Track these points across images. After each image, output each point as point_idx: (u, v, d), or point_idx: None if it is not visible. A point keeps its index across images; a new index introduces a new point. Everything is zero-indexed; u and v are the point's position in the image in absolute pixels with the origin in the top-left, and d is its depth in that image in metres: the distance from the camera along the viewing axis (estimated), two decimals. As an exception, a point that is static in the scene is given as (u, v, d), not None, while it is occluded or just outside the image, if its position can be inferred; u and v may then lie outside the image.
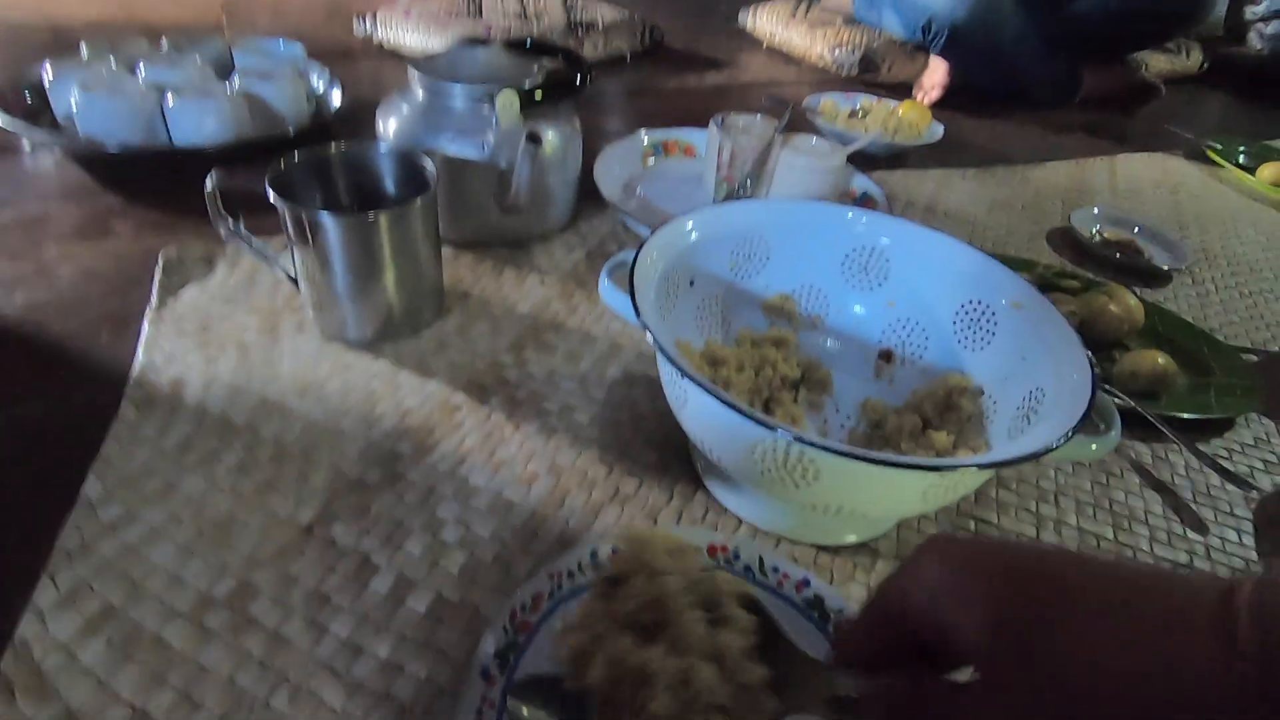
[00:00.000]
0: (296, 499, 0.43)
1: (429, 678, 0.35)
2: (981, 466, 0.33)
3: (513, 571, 0.41)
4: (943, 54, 1.23)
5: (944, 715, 0.23)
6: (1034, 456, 0.32)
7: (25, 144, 0.75)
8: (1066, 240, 0.84)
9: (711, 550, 0.38)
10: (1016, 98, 1.29)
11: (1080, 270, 0.76)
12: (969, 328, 0.48)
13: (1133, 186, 1.03)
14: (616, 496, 0.46)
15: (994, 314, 0.47)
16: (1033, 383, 0.42)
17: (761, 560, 0.38)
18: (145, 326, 0.54)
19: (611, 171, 0.80)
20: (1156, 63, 1.53)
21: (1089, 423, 0.36)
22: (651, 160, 0.86)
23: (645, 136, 0.86)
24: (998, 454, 0.34)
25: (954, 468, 0.32)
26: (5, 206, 0.65)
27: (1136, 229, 0.86)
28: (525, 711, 0.30)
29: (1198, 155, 1.14)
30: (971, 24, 1.18)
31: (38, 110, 0.77)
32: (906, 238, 0.51)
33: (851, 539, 0.44)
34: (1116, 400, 0.55)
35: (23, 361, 0.50)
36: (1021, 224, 0.88)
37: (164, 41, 0.89)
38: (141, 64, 0.80)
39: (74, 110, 0.73)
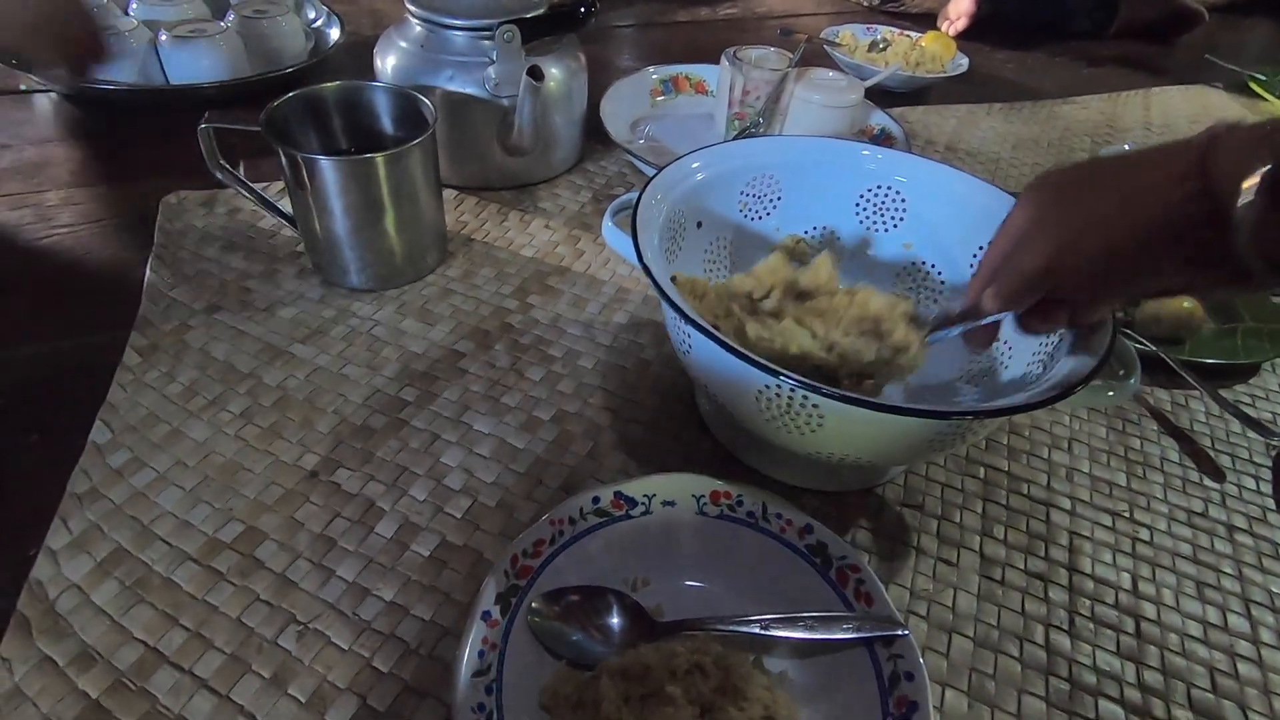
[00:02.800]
0: (302, 445, 0.43)
1: (433, 619, 0.36)
2: (992, 413, 0.32)
3: (515, 517, 0.41)
4: (971, -19, 1.16)
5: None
6: (1046, 403, 0.31)
7: (21, 86, 0.74)
8: (1094, 179, 0.81)
9: (715, 496, 0.38)
10: (1048, 28, 1.22)
11: (1107, 211, 0.73)
12: (986, 270, 0.47)
13: (1168, 122, 0.98)
14: (621, 443, 0.45)
15: (1013, 256, 0.45)
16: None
17: (765, 507, 0.38)
18: (147, 272, 0.53)
19: (619, 110, 0.77)
20: (1201, -13, 1.43)
21: (1107, 368, 0.35)
22: (661, 97, 0.83)
23: (654, 73, 0.83)
24: (1008, 400, 0.33)
25: (963, 415, 0.31)
26: (5, 150, 0.64)
27: (1169, 167, 0.82)
28: (549, 626, 0.32)
29: (1239, 88, 1.08)
30: (1003, -53, 1.11)
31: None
32: (923, 176, 0.49)
33: (856, 485, 0.44)
34: (1138, 346, 0.53)
35: (26, 307, 0.50)
36: (1047, 162, 0.84)
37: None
38: (134, 1, 0.77)
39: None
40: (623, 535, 0.37)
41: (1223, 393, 0.53)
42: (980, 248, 0.47)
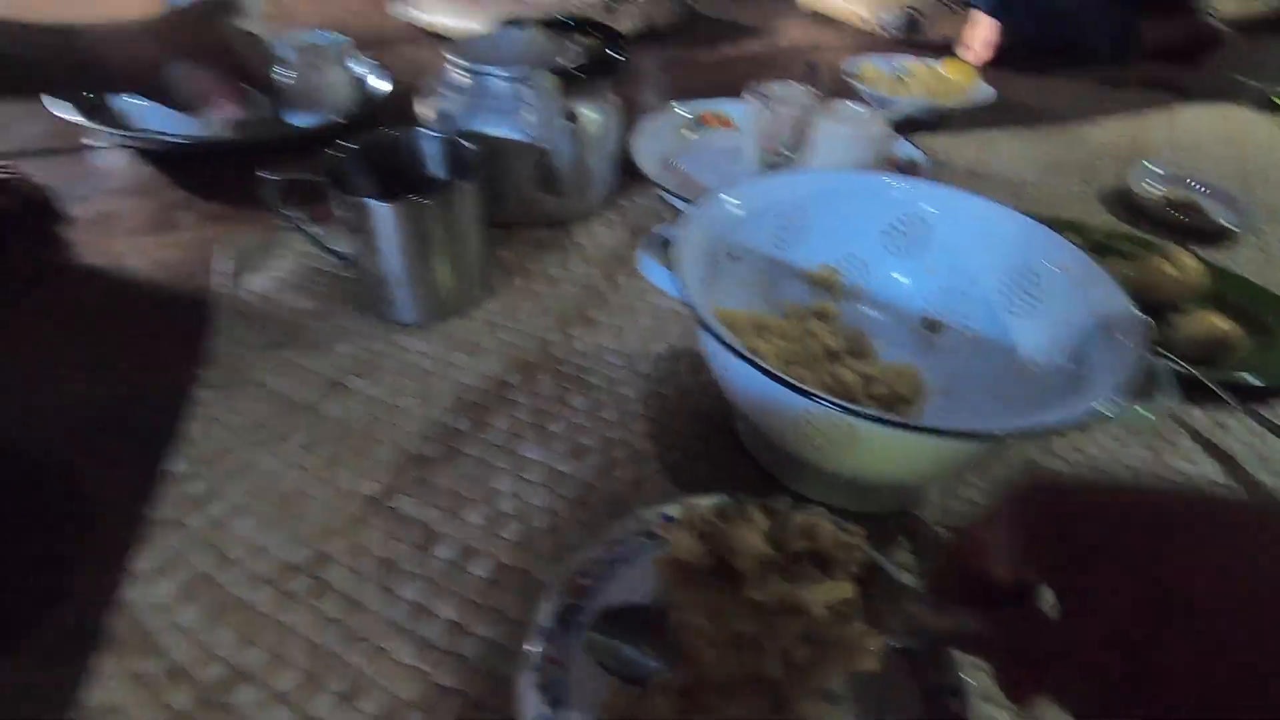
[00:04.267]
0: (363, 473, 0.45)
1: (491, 637, 0.37)
2: (1029, 433, 0.33)
3: (566, 539, 0.42)
4: (992, 11, 1.18)
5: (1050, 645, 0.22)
6: (1081, 423, 0.32)
7: (90, 141, 0.79)
8: (1122, 201, 0.82)
9: (758, 518, 0.39)
10: (1068, 52, 1.23)
11: (1136, 232, 0.74)
12: (1016, 294, 0.48)
13: (1194, 141, 0.98)
14: (664, 468, 0.47)
15: (1039, 279, 0.46)
16: (1080, 349, 0.41)
17: (808, 528, 0.39)
18: (214, 313, 0.57)
19: (649, 147, 0.80)
20: (1225, 5, 1.44)
21: (1142, 389, 0.36)
22: (690, 134, 0.86)
23: (682, 110, 0.86)
24: (1045, 419, 0.34)
25: (1003, 435, 0.32)
26: (78, 203, 0.69)
27: (1197, 186, 0.82)
28: (604, 642, 0.33)
29: (1266, 105, 1.08)
30: (1022, -23, 1.13)
31: (98, 106, 0.81)
32: (948, 203, 0.51)
33: (895, 507, 0.45)
34: (1172, 366, 0.54)
35: (108, 344, 0.54)
36: (1074, 186, 0.85)
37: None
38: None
39: (132, 105, 0.76)
40: (671, 556, 0.38)
41: (1262, 412, 0.53)
42: (1007, 272, 0.48)
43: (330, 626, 0.37)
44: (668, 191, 0.72)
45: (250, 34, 0.67)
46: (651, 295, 0.62)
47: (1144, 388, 0.36)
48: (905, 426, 0.32)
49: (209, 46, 0.61)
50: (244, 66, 0.64)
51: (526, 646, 0.33)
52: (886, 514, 0.45)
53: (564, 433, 0.49)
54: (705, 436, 0.49)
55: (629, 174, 0.76)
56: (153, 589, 0.38)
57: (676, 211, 0.74)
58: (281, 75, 0.82)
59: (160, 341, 0.54)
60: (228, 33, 0.64)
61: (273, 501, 0.43)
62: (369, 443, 0.47)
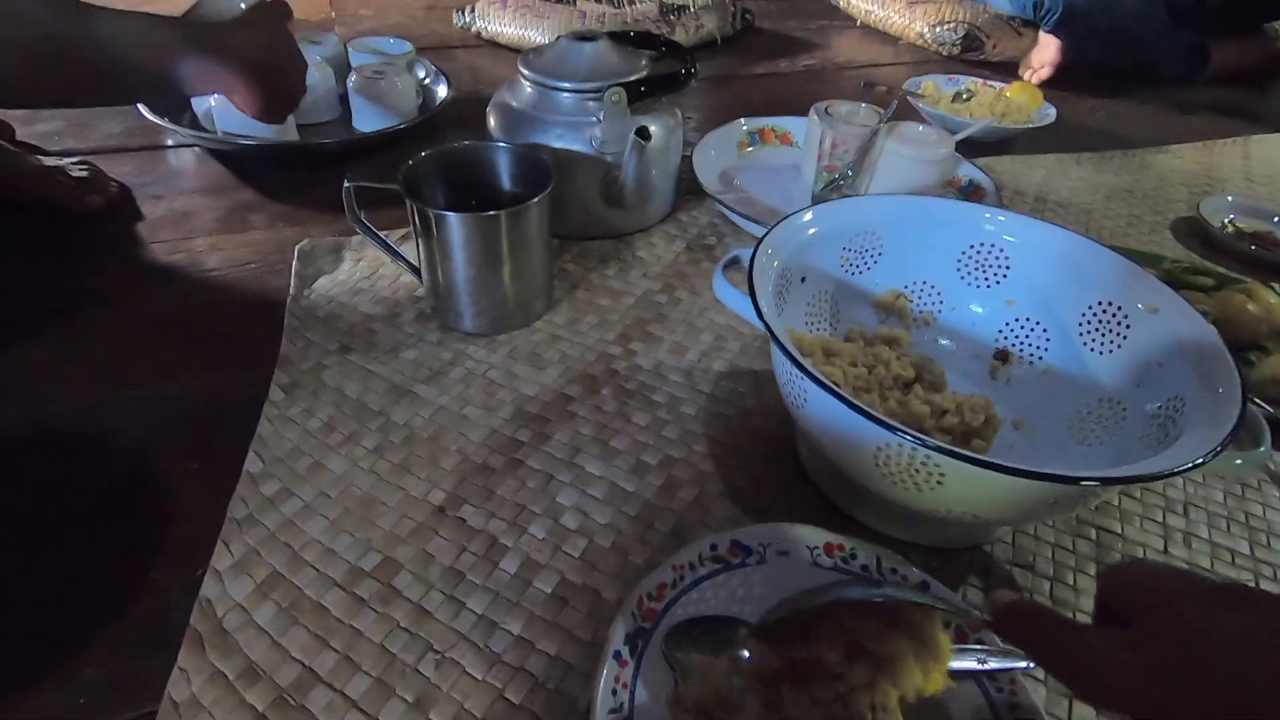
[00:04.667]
0: (429, 481, 0.46)
1: (558, 655, 0.37)
2: (1124, 480, 0.32)
3: (630, 559, 0.42)
4: (1055, 31, 1.16)
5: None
6: (1180, 472, 0.31)
7: (169, 140, 0.82)
8: (1194, 231, 0.79)
9: (829, 548, 0.39)
10: (1135, 75, 1.20)
11: (1212, 265, 0.72)
12: (1097, 330, 0.47)
13: (1270, 171, 0.95)
14: (726, 490, 0.47)
15: (1126, 316, 0.45)
16: (1170, 391, 0.40)
17: (879, 561, 0.38)
18: (286, 314, 0.58)
19: (710, 161, 0.80)
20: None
21: (1238, 439, 0.34)
22: (748, 149, 0.86)
23: (744, 125, 0.86)
24: (1139, 468, 0.33)
25: (1095, 480, 0.32)
26: (159, 201, 0.71)
27: (1275, 219, 0.79)
28: (681, 654, 0.34)
29: (1347, 135, 1.04)
30: (1091, -2, 1.11)
31: (179, 108, 0.84)
32: (1028, 234, 0.50)
33: (964, 543, 0.44)
34: (1259, 408, 0.52)
35: (183, 344, 0.55)
36: (1142, 214, 0.83)
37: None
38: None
39: (211, 108, 0.79)
40: (739, 582, 0.38)
41: (1350, 459, 0.51)
42: (1089, 307, 0.47)
43: (399, 634, 0.38)
44: (727, 207, 0.72)
45: (292, 45, 0.67)
46: (711, 312, 0.62)
47: (1240, 438, 0.35)
48: (998, 468, 0.31)
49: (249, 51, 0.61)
50: (278, 80, 0.64)
51: (597, 670, 0.33)
52: (955, 549, 0.44)
53: (626, 449, 0.49)
54: (767, 459, 0.49)
55: (688, 187, 0.76)
56: (231, 587, 0.39)
57: (735, 227, 0.74)
58: (352, 82, 0.84)
59: (236, 341, 0.56)
60: (272, 41, 0.64)
61: (343, 504, 0.44)
62: (436, 450, 0.48)
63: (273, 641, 0.37)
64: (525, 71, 0.66)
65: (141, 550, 0.41)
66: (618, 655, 0.34)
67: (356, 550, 0.42)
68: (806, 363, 0.37)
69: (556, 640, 0.38)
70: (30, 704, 0.34)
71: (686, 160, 0.76)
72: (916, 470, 0.35)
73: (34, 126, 0.81)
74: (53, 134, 0.81)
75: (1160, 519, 0.47)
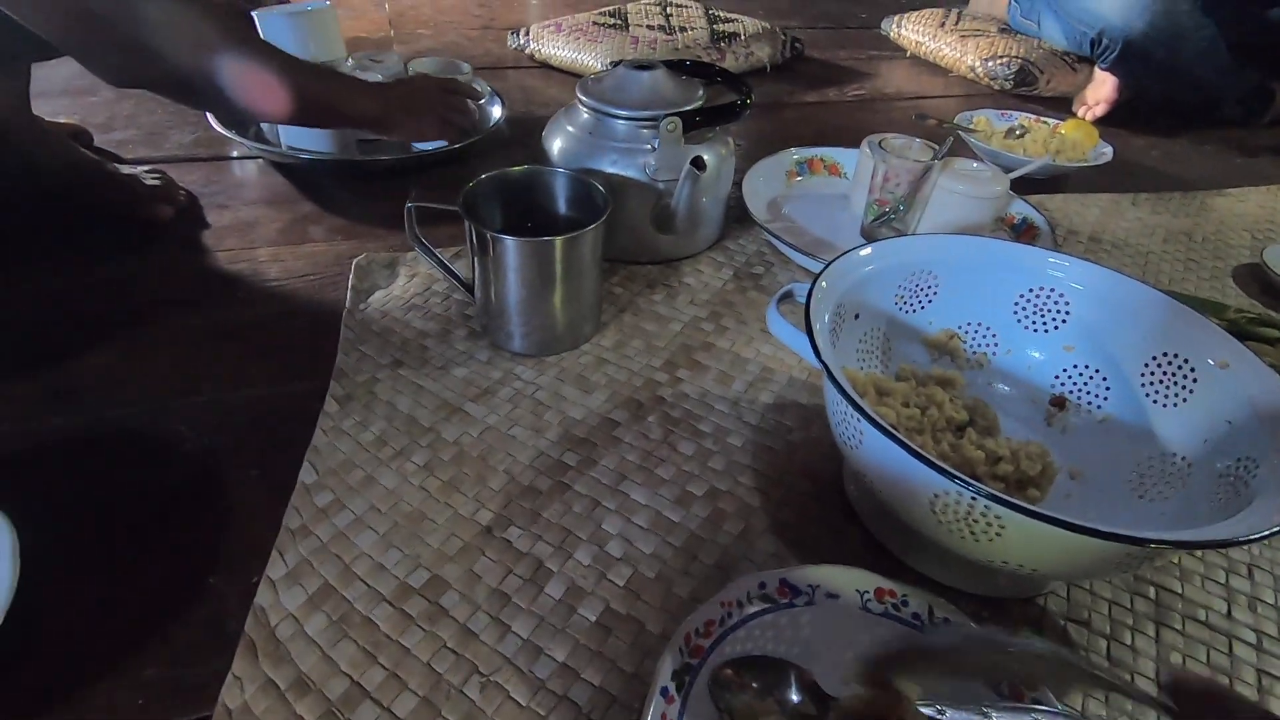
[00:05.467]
0: (477, 500, 0.46)
1: (602, 685, 0.37)
2: (1201, 545, 0.31)
3: (674, 591, 0.42)
4: (1112, 68, 1.14)
5: None
6: (1260, 538, 0.30)
7: (234, 152, 0.85)
8: (1257, 279, 0.77)
9: (880, 594, 0.38)
10: (1194, 115, 1.18)
11: (1277, 315, 0.70)
12: (1161, 382, 0.46)
13: (1337, 219, 0.92)
14: (772, 526, 0.46)
15: (1194, 370, 0.44)
16: (1241, 450, 0.39)
17: (931, 609, 0.38)
18: (342, 327, 0.59)
19: (758, 189, 0.80)
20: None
21: (1316, 504, 0.33)
22: (797, 179, 0.86)
23: (795, 154, 0.86)
24: (1215, 531, 0.32)
25: (1164, 544, 0.31)
26: (224, 210, 0.74)
27: (1344, 270, 0.77)
28: (729, 695, 0.34)
29: None
30: (1151, 36, 1.09)
31: (245, 122, 0.87)
32: (1090, 280, 0.49)
33: (1014, 594, 0.43)
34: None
35: (243, 354, 0.57)
36: (1202, 258, 0.81)
37: (349, 59, 0.97)
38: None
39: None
40: (788, 622, 0.38)
41: None
42: (1153, 358, 0.46)
43: (445, 654, 0.38)
44: (775, 236, 0.72)
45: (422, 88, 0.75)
46: (758, 342, 0.62)
47: (1318, 503, 0.33)
48: (1069, 526, 0.30)
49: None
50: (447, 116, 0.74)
51: (644, 705, 0.33)
52: (1007, 598, 0.43)
53: (672, 478, 0.49)
54: (814, 496, 0.49)
55: (736, 215, 0.76)
56: (284, 596, 0.40)
57: (783, 257, 0.74)
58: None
59: (294, 352, 0.57)
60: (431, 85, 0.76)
61: (393, 519, 0.45)
62: (484, 470, 0.49)
63: (323, 654, 0.37)
64: (583, 97, 0.68)
65: (200, 554, 0.42)
66: (665, 691, 0.33)
67: (405, 566, 0.42)
68: (867, 407, 0.36)
69: (600, 670, 0.38)
70: (91, 702, 0.35)
71: (736, 188, 0.77)
72: (975, 520, 0.35)
73: (109, 135, 0.85)
74: (127, 142, 0.85)
75: (1223, 579, 0.45)
